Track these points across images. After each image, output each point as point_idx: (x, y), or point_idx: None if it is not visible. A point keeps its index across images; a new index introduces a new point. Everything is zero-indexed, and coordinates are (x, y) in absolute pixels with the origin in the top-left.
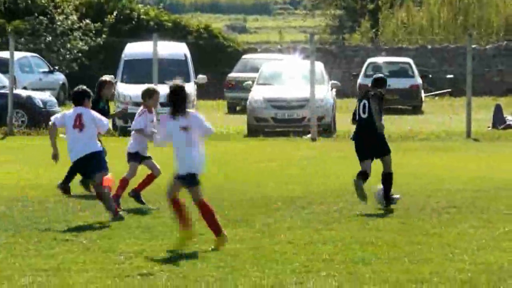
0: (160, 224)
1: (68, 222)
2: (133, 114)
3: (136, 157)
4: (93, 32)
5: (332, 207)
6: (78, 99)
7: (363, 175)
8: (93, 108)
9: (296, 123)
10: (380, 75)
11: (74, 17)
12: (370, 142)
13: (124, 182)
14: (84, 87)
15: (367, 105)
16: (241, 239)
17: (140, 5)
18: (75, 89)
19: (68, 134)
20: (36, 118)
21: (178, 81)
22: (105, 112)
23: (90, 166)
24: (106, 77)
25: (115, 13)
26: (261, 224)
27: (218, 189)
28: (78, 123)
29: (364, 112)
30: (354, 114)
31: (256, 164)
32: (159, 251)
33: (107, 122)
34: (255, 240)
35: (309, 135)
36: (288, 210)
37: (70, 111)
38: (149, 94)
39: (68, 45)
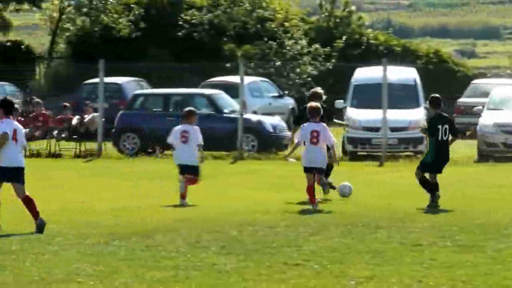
0: (391, 249)
1: (298, 247)
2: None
3: None
4: (322, 57)
5: None
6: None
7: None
8: None
9: None
10: (437, 95)
11: (304, 42)
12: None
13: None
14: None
15: (447, 129)
16: (472, 264)
17: (369, 30)
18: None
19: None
20: (266, 142)
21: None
22: None
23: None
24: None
25: (344, 38)
26: (492, 249)
27: (448, 214)
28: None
29: (445, 135)
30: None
31: (487, 189)
32: (389, 276)
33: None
34: (487, 266)
35: None
36: None
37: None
38: None
39: (298, 70)
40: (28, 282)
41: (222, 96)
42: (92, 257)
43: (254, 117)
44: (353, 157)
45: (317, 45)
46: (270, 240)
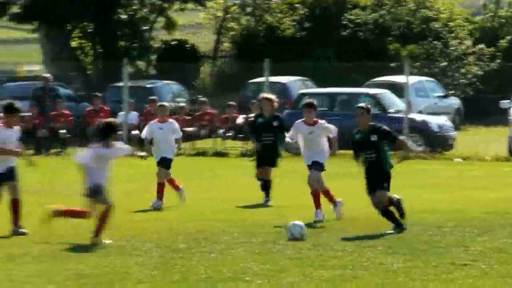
0: None
1: (466, 247)
2: None
3: None
4: (487, 56)
5: None
6: None
7: None
8: None
9: None
10: None
11: (469, 42)
12: None
13: None
14: None
15: None
16: None
17: None
18: None
19: None
20: (432, 142)
21: None
22: None
23: None
24: None
25: (508, 38)
26: None
27: None
28: None
29: None
30: None
31: None
32: None
33: None
34: None
35: None
36: None
37: None
38: None
39: (462, 70)
40: (195, 281)
41: (387, 96)
42: (259, 256)
43: (419, 117)
44: None
45: (481, 45)
46: (437, 240)
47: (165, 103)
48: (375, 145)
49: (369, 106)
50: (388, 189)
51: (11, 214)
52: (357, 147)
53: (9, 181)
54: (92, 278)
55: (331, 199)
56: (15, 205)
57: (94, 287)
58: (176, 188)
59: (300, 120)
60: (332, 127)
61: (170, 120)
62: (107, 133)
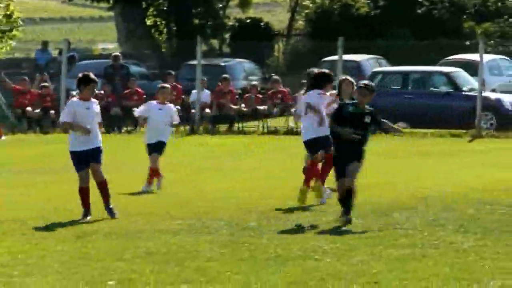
0: None
1: None
2: None
3: None
4: None
5: None
6: None
7: None
8: None
9: None
10: None
11: None
12: None
13: None
14: None
15: None
16: None
17: None
18: None
19: None
20: (505, 121)
21: None
22: None
23: None
24: None
25: None
26: None
27: None
28: None
29: None
30: None
31: None
32: None
33: None
34: None
35: None
36: None
37: None
38: None
39: None
40: (264, 259)
41: (461, 74)
42: (328, 235)
43: (493, 95)
44: None
45: None
46: (508, 219)
47: (167, 85)
48: (366, 126)
49: (373, 85)
50: (361, 166)
51: (101, 195)
52: (345, 120)
53: (94, 162)
54: (161, 256)
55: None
56: (103, 186)
57: (163, 264)
58: (158, 174)
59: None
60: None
61: (170, 104)
62: None
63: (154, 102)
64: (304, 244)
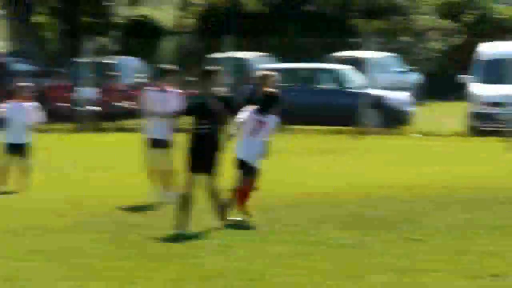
0: None
1: (418, 223)
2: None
3: None
4: (451, 32)
5: None
6: None
7: None
8: None
9: None
10: None
11: (432, 17)
12: None
13: None
14: None
15: None
16: None
17: (498, 5)
18: None
19: None
20: (390, 117)
21: None
22: None
23: None
24: None
25: (472, 13)
26: None
27: None
28: None
29: None
30: None
31: None
32: None
33: None
34: None
35: None
36: None
37: None
38: None
39: (425, 45)
40: (145, 256)
41: (348, 72)
42: (211, 232)
43: (377, 92)
44: (479, 133)
45: (445, 20)
46: (390, 215)
47: (26, 84)
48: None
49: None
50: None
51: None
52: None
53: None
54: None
55: None
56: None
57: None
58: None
59: None
60: None
61: (30, 102)
62: None
63: (13, 101)
64: (186, 241)
